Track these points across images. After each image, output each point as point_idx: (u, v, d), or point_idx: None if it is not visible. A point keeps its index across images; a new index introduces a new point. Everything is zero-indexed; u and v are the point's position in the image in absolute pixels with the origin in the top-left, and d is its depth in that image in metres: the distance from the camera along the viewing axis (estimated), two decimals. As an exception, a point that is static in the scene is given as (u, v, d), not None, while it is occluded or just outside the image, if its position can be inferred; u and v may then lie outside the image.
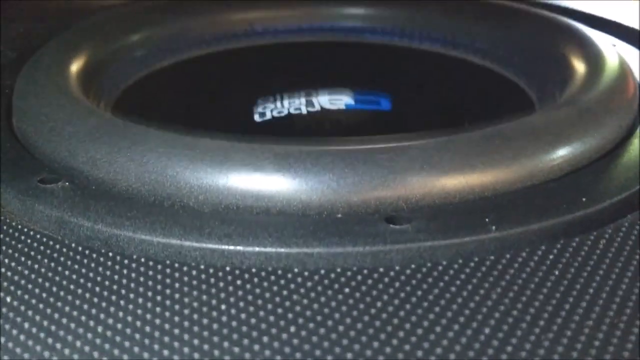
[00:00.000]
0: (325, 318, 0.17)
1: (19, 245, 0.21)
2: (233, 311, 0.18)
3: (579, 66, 0.32)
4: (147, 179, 0.23)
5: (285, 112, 0.38)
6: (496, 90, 0.38)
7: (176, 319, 0.17)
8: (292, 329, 0.17)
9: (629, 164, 0.26)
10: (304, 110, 0.36)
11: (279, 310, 0.18)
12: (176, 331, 0.17)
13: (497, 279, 0.19)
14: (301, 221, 0.22)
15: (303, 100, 0.38)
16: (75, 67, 0.32)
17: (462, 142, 0.23)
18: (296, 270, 0.20)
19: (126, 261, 0.20)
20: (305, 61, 0.43)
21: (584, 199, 0.22)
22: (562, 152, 0.24)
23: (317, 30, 0.44)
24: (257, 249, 0.21)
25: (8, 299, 0.18)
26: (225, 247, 0.21)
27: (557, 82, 0.33)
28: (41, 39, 0.40)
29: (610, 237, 0.21)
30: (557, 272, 0.19)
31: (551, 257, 0.20)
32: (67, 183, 0.24)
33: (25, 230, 0.22)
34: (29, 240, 0.21)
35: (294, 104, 0.36)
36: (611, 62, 0.31)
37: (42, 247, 0.21)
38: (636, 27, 0.41)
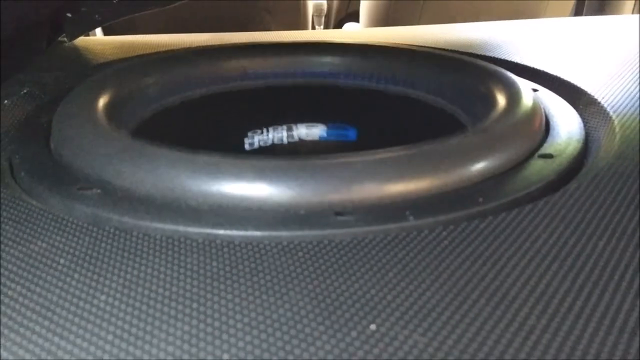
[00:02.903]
0: (288, 275, 0.25)
1: (63, 233, 0.29)
2: (224, 272, 0.26)
3: (501, 102, 0.41)
4: (160, 187, 0.32)
5: (270, 142, 0.46)
6: (439, 121, 0.47)
7: (188, 274, 0.25)
8: (264, 282, 0.25)
9: (524, 176, 0.34)
10: (285, 141, 0.44)
11: (256, 271, 0.26)
12: (188, 281, 0.25)
13: (412, 252, 0.27)
14: (273, 215, 0.30)
15: (285, 133, 0.46)
16: (101, 103, 0.40)
17: (392, 158, 0.32)
18: (268, 246, 0.28)
19: (145, 242, 0.28)
20: (287, 101, 0.52)
21: (480, 199, 0.31)
22: (470, 167, 0.32)
23: (299, 75, 0.53)
24: (240, 232, 0.29)
25: (60, 266, 0.26)
26: (218, 231, 0.29)
27: (485, 115, 0.41)
28: (60, 86, 0.49)
29: (497, 224, 0.29)
30: (456, 248, 0.27)
31: (452, 236, 0.28)
32: (99, 190, 0.32)
33: (68, 222, 0.30)
34: (71, 229, 0.29)
35: (277, 136, 0.44)
36: (523, 100, 0.40)
37: (80, 234, 0.29)
38: (558, 75, 0.50)
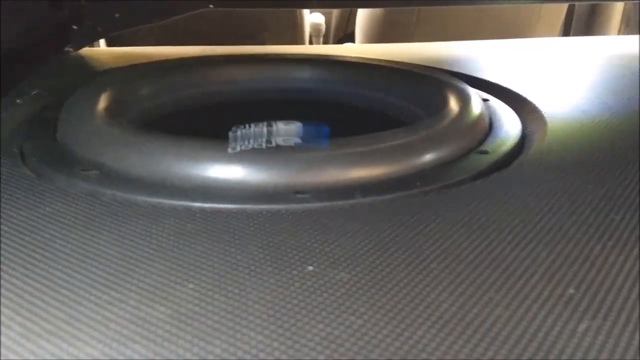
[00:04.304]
0: (248, 234, 0.31)
1: (66, 201, 0.35)
2: (196, 231, 0.31)
3: (448, 107, 0.47)
4: (150, 168, 0.37)
5: (250, 147, 0.52)
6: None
7: (166, 231, 0.31)
8: (228, 238, 0.31)
9: (460, 167, 0.40)
10: (264, 146, 0.50)
11: (222, 231, 0.31)
12: (165, 235, 0.31)
13: (353, 220, 0.32)
14: (244, 193, 0.36)
15: (264, 138, 0.51)
16: (101, 101, 0.47)
17: (343, 148, 0.38)
18: (235, 215, 0.33)
19: (133, 208, 0.34)
20: (269, 110, 0.58)
21: (418, 184, 0.37)
22: (410, 158, 0.39)
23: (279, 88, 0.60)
24: (216, 205, 0.34)
25: (63, 224, 0.32)
26: (198, 204, 0.35)
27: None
28: (66, 88, 0.55)
29: (426, 201, 0.35)
30: (388, 218, 0.33)
31: (387, 209, 0.34)
32: (97, 171, 0.38)
33: (70, 194, 0.36)
34: (73, 199, 0.35)
35: (257, 141, 0.50)
36: (465, 106, 0.46)
37: (80, 202, 0.35)
38: (511, 88, 0.57)
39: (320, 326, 0.24)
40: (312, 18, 2.15)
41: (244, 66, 0.59)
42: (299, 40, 1.79)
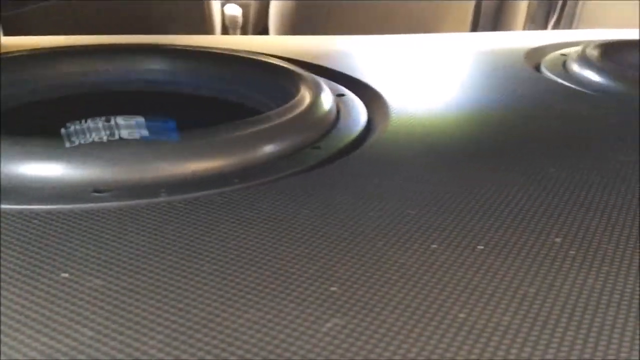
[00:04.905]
0: (22, 239, 0.28)
1: None
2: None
3: (303, 100, 0.45)
4: None
5: (90, 140, 0.49)
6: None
7: None
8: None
9: (287, 162, 0.38)
10: (105, 139, 0.47)
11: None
12: None
13: (155, 221, 0.30)
14: (44, 191, 0.33)
15: (107, 132, 0.49)
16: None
17: (142, 146, 0.36)
18: (26, 216, 0.31)
19: None
20: (114, 103, 0.55)
21: (236, 180, 0.35)
22: (226, 156, 0.37)
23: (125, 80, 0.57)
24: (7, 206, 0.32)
25: None
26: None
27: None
28: None
29: (240, 197, 0.33)
30: (191, 216, 0.31)
31: (192, 208, 0.32)
32: None
33: None
34: None
35: (98, 135, 0.47)
36: (318, 100, 0.45)
37: None
38: (368, 83, 0.56)
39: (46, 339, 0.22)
40: (228, 10, 2.11)
41: (82, 58, 0.56)
42: (208, 33, 1.75)
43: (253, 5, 2.43)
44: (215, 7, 1.79)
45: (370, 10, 1.67)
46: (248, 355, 0.21)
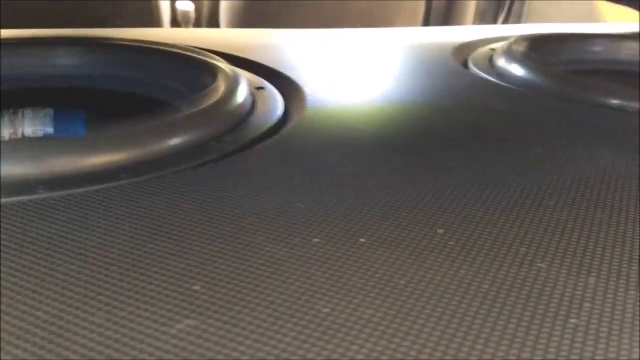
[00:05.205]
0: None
1: None
2: None
3: (215, 93, 0.44)
4: None
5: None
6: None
7: None
8: None
9: (186, 156, 0.37)
10: (7, 137, 0.45)
11: None
12: None
13: (33, 219, 0.29)
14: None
15: (10, 130, 0.46)
16: None
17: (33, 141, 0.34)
18: None
19: None
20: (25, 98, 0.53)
21: (123, 175, 0.34)
22: (133, 146, 0.36)
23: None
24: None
25: None
26: None
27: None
28: None
29: (128, 192, 0.32)
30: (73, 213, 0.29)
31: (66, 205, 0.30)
32: None
33: None
34: None
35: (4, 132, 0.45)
36: (230, 93, 0.44)
37: None
38: (290, 76, 0.55)
39: None
40: (180, 5, 2.08)
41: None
42: (155, 26, 1.71)
43: (206, 1, 2.39)
44: (164, 2, 1.76)
45: (320, 9, 1.66)
46: (91, 354, 0.20)
